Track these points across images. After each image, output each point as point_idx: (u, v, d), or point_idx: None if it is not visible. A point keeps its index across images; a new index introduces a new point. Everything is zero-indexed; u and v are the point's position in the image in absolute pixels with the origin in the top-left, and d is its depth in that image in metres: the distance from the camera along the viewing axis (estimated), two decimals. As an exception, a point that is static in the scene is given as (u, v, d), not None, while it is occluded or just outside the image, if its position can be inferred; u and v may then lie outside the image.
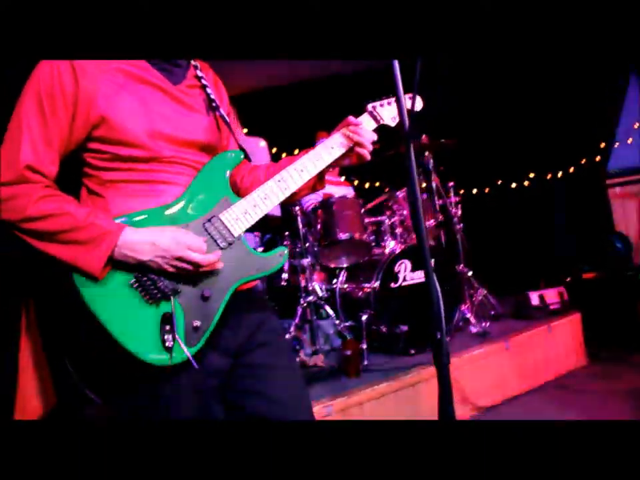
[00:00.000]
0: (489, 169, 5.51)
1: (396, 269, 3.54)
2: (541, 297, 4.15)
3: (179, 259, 1.30)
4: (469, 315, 3.88)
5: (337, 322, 3.66)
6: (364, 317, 3.49)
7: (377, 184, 5.64)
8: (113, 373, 1.34)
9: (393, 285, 3.53)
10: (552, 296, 4.17)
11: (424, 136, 3.98)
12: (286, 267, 3.90)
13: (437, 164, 4.29)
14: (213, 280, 1.38)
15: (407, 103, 1.85)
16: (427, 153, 3.95)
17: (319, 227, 3.66)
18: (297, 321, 3.64)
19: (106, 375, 1.33)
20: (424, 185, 4.12)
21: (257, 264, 1.43)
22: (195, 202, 1.40)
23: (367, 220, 3.73)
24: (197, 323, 1.34)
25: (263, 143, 5.84)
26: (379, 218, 3.80)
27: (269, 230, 4.43)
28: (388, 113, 1.75)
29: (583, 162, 5.54)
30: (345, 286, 3.83)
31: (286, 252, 1.47)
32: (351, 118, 1.65)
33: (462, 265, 4.10)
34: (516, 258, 5.18)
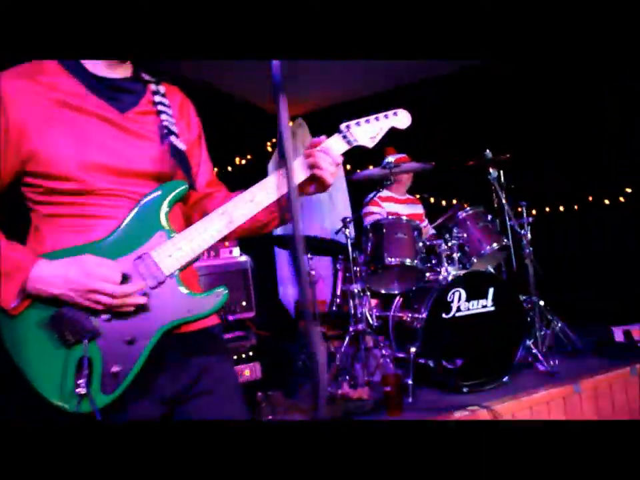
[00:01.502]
0: (577, 182, 4.91)
1: (449, 298, 3.26)
2: (627, 333, 3.66)
3: (92, 291, 1.21)
4: (535, 351, 3.48)
5: (386, 352, 3.44)
6: (412, 349, 3.25)
7: (455, 201, 5.32)
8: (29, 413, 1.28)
9: (444, 315, 3.25)
10: (641, 332, 3.66)
11: (487, 151, 3.66)
12: (338, 292, 3.75)
13: (508, 181, 3.96)
14: (138, 321, 1.27)
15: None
16: (491, 169, 3.63)
17: (369, 250, 3.47)
18: (344, 349, 3.47)
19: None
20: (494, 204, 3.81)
21: (189, 305, 1.30)
22: (127, 237, 1.31)
23: (420, 244, 3.48)
24: (116, 369, 1.24)
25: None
26: (435, 242, 3.54)
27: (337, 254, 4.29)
28: (364, 132, 1.58)
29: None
30: (400, 314, 3.59)
31: (225, 292, 1.33)
32: (313, 140, 1.50)
33: (532, 294, 3.71)
34: (602, 286, 4.59)
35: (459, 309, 3.27)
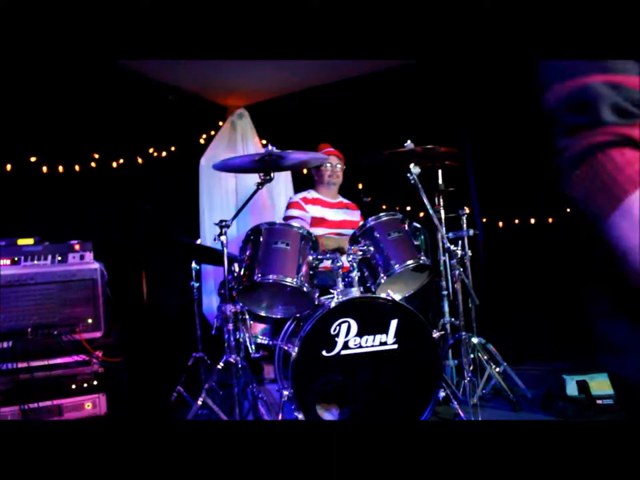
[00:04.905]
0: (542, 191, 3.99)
1: (333, 330, 2.48)
2: (583, 385, 2.80)
3: None
4: (455, 405, 2.66)
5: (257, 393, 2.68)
6: (285, 393, 2.49)
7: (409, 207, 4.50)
8: None
9: (325, 352, 2.47)
10: (602, 385, 2.79)
11: (409, 142, 2.87)
12: (216, 314, 3.00)
13: (446, 182, 3.15)
14: None
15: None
16: (412, 165, 2.83)
17: (245, 261, 2.72)
18: (207, 385, 2.74)
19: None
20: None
21: None
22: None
23: (311, 257, 2.70)
24: None
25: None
26: (329, 256, 2.75)
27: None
28: None
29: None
30: (282, 344, 2.81)
31: None
32: None
33: (460, 328, 2.89)
34: (557, 321, 3.67)
35: (346, 345, 2.48)
